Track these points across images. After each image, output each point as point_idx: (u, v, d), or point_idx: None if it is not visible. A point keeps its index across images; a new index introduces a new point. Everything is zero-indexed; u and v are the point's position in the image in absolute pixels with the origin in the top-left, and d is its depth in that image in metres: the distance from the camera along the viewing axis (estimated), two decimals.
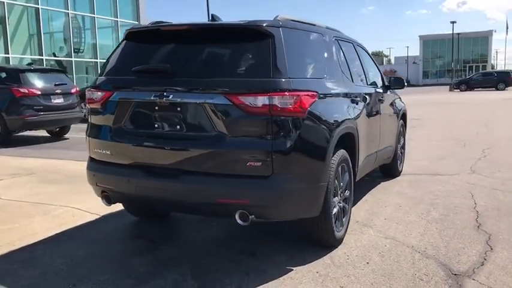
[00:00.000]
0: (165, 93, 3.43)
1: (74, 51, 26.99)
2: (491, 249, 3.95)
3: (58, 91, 10.96)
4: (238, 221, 3.40)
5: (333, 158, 3.73)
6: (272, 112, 3.24)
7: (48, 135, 12.20)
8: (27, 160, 8.59)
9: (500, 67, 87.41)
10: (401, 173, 6.99)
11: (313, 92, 3.55)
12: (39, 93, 10.60)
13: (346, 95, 4.30)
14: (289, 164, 3.33)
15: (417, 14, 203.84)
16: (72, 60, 26.59)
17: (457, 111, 19.77)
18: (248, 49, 3.51)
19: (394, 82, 6.17)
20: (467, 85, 44.89)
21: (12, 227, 4.51)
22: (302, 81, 3.49)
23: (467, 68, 77.10)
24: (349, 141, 4.16)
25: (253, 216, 3.35)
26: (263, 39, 3.44)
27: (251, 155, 3.28)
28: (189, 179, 3.41)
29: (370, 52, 6.23)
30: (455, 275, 3.46)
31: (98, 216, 4.90)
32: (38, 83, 10.81)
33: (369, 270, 3.55)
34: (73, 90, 11.50)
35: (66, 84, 11.38)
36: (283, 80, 3.32)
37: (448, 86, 47.85)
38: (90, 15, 28.19)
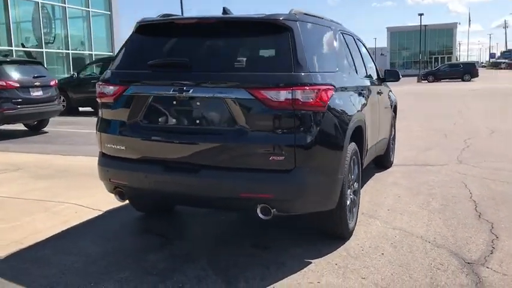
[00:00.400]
0: (184, 88, 3.38)
1: (44, 42, 26.19)
2: (497, 237, 4.08)
3: (37, 83, 10.64)
4: (260, 215, 3.41)
5: (347, 151, 3.77)
6: (294, 106, 3.25)
7: (26, 128, 11.86)
8: (9, 155, 8.34)
9: (462, 58, 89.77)
10: (393, 164, 7.12)
11: (330, 85, 3.57)
12: (18, 85, 10.27)
13: (354, 88, 4.35)
14: (311, 158, 3.34)
15: (383, 6, 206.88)
16: (42, 51, 25.79)
17: (429, 102, 20.22)
18: (267, 43, 3.50)
19: (389, 75, 6.26)
20: (435, 76, 45.95)
21: (14, 225, 4.39)
22: (320, 74, 3.50)
23: (433, 60, 78.75)
24: (358, 134, 4.21)
25: (274, 210, 3.36)
26: (282, 32, 3.44)
27: (274, 149, 3.28)
28: (211, 173, 3.39)
29: None
30: (468, 263, 3.56)
31: (100, 212, 4.81)
32: (15, 75, 10.46)
33: (386, 261, 3.62)
34: (52, 83, 11.19)
35: (45, 76, 11.06)
36: (304, 74, 3.33)
37: (416, 77, 48.82)
38: (61, 4, 27.36)
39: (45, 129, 11.72)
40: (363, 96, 4.59)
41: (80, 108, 16.55)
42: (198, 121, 3.46)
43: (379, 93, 5.66)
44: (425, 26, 59.06)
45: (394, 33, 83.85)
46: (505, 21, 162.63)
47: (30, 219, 4.56)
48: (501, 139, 9.57)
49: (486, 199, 5.23)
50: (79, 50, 29.36)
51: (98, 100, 3.88)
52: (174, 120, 3.52)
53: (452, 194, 5.45)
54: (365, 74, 5.31)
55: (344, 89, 3.99)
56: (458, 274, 3.38)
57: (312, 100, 3.29)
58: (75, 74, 16.97)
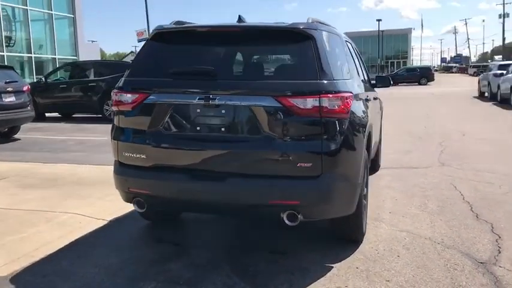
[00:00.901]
0: (210, 96, 3.39)
1: (5, 45, 25.21)
2: (500, 237, 4.27)
3: (9, 89, 10.26)
4: (286, 221, 3.45)
5: (364, 156, 3.87)
6: (321, 113, 3.32)
7: None
8: None
9: (416, 63, 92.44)
10: (380, 167, 7.31)
11: (350, 92, 3.66)
12: None
13: (363, 95, 4.46)
14: (337, 164, 3.42)
15: (338, 12, 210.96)
16: (3, 55, 24.83)
17: (396, 106, 20.70)
18: (291, 51, 3.56)
19: (380, 80, 6.44)
20: (393, 80, 47.05)
21: (21, 237, 4.24)
22: (341, 82, 3.58)
23: (389, 64, 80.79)
24: (368, 140, 4.32)
25: (301, 216, 3.42)
26: (304, 41, 3.50)
27: (301, 156, 3.34)
28: (238, 181, 3.40)
29: None
30: (481, 263, 3.72)
31: (105, 222, 4.72)
32: None
33: (403, 263, 3.73)
34: (24, 88, 10.83)
35: (17, 81, 10.69)
36: (329, 81, 3.40)
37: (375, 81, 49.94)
38: (22, 6, 26.46)
39: (16, 136, 11.31)
40: (368, 103, 4.71)
41: (47, 114, 16.05)
42: (223, 129, 3.47)
43: (375, 98, 5.82)
44: (382, 31, 60.67)
45: (351, 38, 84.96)
46: (454, 27, 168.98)
47: (35, 230, 4.42)
48: (472, 141, 9.98)
49: (478, 200, 5.45)
50: (42, 54, 28.46)
51: (114, 108, 3.82)
52: (198, 128, 3.52)
53: (446, 196, 5.65)
54: (363, 80, 5.45)
55: (357, 96, 4.10)
56: (475, 274, 3.53)
57: (337, 107, 3.36)
58: (43, 78, 16.45)
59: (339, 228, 3.99)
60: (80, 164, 7.77)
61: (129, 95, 3.68)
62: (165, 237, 4.35)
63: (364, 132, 3.89)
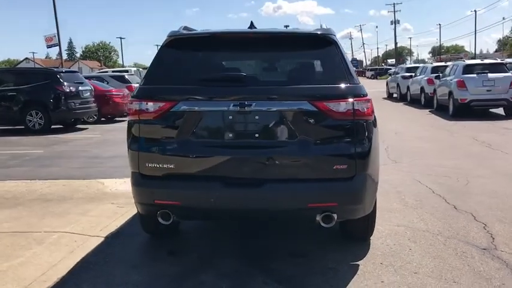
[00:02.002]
0: (246, 103, 3.36)
1: None
2: (485, 225, 4.67)
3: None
4: (322, 223, 3.52)
5: None
6: (355, 116, 3.43)
7: None
8: None
9: None
10: None
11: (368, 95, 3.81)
12: None
13: None
14: (367, 164, 3.55)
15: (238, 17, 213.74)
16: None
17: None
18: (318, 56, 3.63)
19: None
20: None
21: (20, 262, 3.87)
22: (362, 85, 3.72)
23: None
24: None
25: (336, 217, 3.50)
26: (329, 46, 3.61)
27: (338, 158, 3.43)
28: (276, 186, 3.41)
29: None
30: (484, 249, 4.06)
31: (102, 239, 4.44)
32: None
33: (420, 255, 3.95)
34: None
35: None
36: (357, 85, 3.54)
37: None
38: None
39: None
40: None
41: None
42: (257, 135, 3.45)
43: None
44: None
45: None
46: (350, 33, 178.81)
47: (32, 253, 4.05)
48: (408, 139, 10.73)
49: (447, 192, 5.90)
50: None
51: (131, 118, 3.64)
52: (231, 135, 3.46)
53: (417, 191, 6.05)
54: None
55: None
56: (486, 260, 3.84)
57: (366, 110, 3.50)
58: None
59: (355, 227, 4.11)
60: (31, 179, 7.19)
61: (151, 103, 3.52)
62: (175, 249, 4.21)
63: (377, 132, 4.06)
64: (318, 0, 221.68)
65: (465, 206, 5.31)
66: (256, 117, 3.43)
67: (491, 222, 4.73)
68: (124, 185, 6.56)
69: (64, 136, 12.71)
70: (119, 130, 14.11)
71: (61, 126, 14.31)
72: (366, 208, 3.70)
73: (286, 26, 3.85)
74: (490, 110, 15.47)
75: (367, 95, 3.57)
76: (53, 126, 13.71)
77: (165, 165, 3.51)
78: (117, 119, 17.34)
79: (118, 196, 5.94)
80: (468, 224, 4.71)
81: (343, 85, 3.46)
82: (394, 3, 78.69)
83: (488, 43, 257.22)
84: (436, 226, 4.67)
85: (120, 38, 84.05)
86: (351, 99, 3.41)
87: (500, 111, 15.15)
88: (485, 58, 36.44)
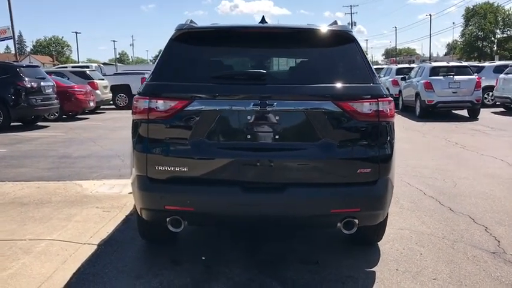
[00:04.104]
0: (267, 102, 3.14)
1: None
2: (486, 227, 4.65)
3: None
4: (343, 230, 3.36)
5: None
6: (379, 117, 3.29)
7: None
8: None
9: None
10: None
11: None
12: None
13: None
14: (389, 168, 3.41)
15: (194, 15, 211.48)
16: None
17: None
18: (339, 54, 3.45)
19: None
20: None
21: (9, 274, 3.48)
22: (383, 85, 3.57)
23: None
24: None
25: (358, 223, 3.35)
26: (350, 43, 3.46)
27: (362, 162, 3.27)
28: (298, 191, 3.22)
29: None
30: (493, 253, 4.02)
31: (95, 247, 4.11)
32: None
33: (432, 261, 3.86)
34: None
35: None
36: (380, 85, 3.39)
37: None
38: None
39: None
40: None
41: None
42: (277, 136, 3.24)
43: None
44: None
45: None
46: None
47: (20, 264, 3.67)
48: None
49: (438, 194, 5.89)
50: None
51: (137, 117, 3.35)
52: (249, 136, 3.23)
53: (408, 193, 6.01)
54: None
55: None
56: (499, 264, 3.79)
57: (389, 111, 3.36)
58: None
59: (367, 232, 3.94)
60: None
61: (161, 102, 3.25)
62: (179, 257, 3.93)
63: None
64: (274, 1, 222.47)
65: (460, 208, 5.30)
66: (277, 117, 3.22)
67: (491, 225, 4.72)
68: (104, 188, 6.21)
69: (26, 134, 12.01)
70: (83, 128, 13.55)
71: (20, 123, 13.58)
72: (385, 213, 3.56)
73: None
74: (453, 111, 15.88)
75: (389, 96, 3.43)
76: (12, 124, 12.97)
77: (177, 168, 3.25)
78: (78, 116, 16.69)
79: (101, 199, 5.57)
80: (469, 227, 4.68)
81: (367, 84, 3.31)
82: (351, 5, 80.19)
83: (437, 47, 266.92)
84: (438, 229, 4.61)
85: (76, 33, 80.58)
86: (375, 100, 3.26)
87: (463, 112, 15.56)
88: (436, 61, 37.26)
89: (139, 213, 3.57)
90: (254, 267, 3.74)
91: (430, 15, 77.83)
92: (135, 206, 4.95)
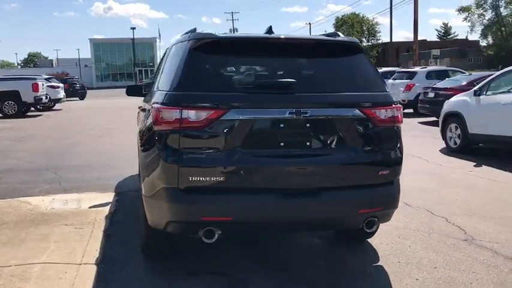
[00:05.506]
0: (302, 110, 3.26)
1: None
2: (447, 219, 5.19)
3: None
4: (366, 229, 3.58)
5: None
6: (395, 123, 3.58)
7: None
8: None
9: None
10: None
11: None
12: None
13: None
14: (400, 169, 3.71)
15: (65, 16, 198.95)
16: None
17: None
18: (354, 64, 3.66)
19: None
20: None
21: None
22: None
23: (137, 72, 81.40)
24: None
25: (377, 221, 3.60)
26: (359, 54, 3.70)
27: (382, 164, 3.53)
28: (331, 194, 3.38)
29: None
30: (466, 240, 4.52)
31: (95, 266, 3.86)
32: None
33: (423, 252, 4.24)
34: None
35: None
36: (389, 93, 3.69)
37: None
38: None
39: None
40: None
41: None
42: (309, 143, 3.38)
43: None
44: (133, 39, 60.83)
45: (98, 45, 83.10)
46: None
47: None
48: None
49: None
50: None
51: (165, 127, 3.24)
52: (282, 144, 3.31)
53: None
54: None
55: None
56: (477, 250, 4.26)
57: (400, 116, 3.66)
58: None
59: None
60: None
61: (193, 112, 3.19)
62: (194, 268, 3.86)
63: None
64: (150, 4, 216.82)
65: (414, 202, 5.78)
66: (307, 124, 3.35)
67: (448, 216, 5.26)
68: (57, 203, 5.79)
69: None
70: None
71: None
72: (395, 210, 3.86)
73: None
74: None
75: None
76: None
77: (213, 179, 3.21)
78: None
79: (65, 216, 5.19)
80: (432, 219, 5.18)
81: (384, 92, 3.58)
82: (232, 12, 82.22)
83: None
84: (409, 223, 5.04)
85: None
86: (391, 106, 3.54)
87: None
88: None
89: (161, 227, 3.44)
90: (279, 275, 3.78)
91: (310, 23, 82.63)
92: (108, 218, 4.77)
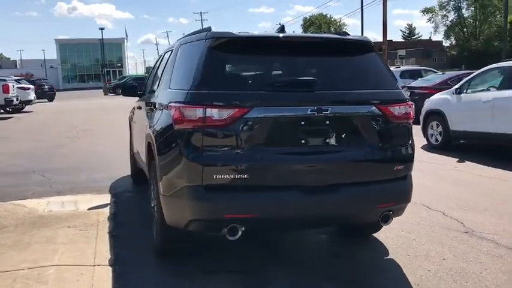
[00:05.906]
0: (323, 107, 3.32)
1: None
2: (443, 212, 5.36)
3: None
4: (382, 223, 3.68)
5: None
6: (408, 119, 3.69)
7: None
8: None
9: (126, 72, 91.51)
10: None
11: None
12: None
13: None
14: (413, 163, 3.83)
15: (27, 16, 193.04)
16: None
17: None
18: (368, 62, 3.75)
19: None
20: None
21: None
22: None
23: (105, 73, 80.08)
24: None
25: (392, 215, 3.70)
26: (372, 52, 3.80)
27: (398, 159, 3.64)
28: (351, 190, 3.46)
29: None
30: (466, 232, 4.68)
31: (110, 268, 3.84)
32: None
33: (429, 244, 4.38)
34: None
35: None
36: (402, 90, 3.80)
37: (102, 90, 49.60)
38: None
39: None
40: None
41: None
42: (329, 140, 3.45)
43: None
44: (101, 39, 59.75)
45: (64, 46, 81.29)
46: (156, 38, 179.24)
47: None
48: None
49: None
50: None
51: (187, 126, 3.25)
52: (303, 141, 3.37)
53: None
54: None
55: None
56: (479, 241, 4.42)
57: (412, 112, 3.78)
58: None
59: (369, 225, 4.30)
60: None
61: (216, 110, 3.21)
62: (208, 267, 3.86)
63: None
64: (116, 4, 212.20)
65: (424, 199, 5.92)
66: (327, 122, 3.41)
67: (445, 210, 5.42)
68: (54, 206, 5.70)
69: None
70: None
71: None
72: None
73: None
74: None
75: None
76: None
77: (237, 176, 3.24)
78: None
79: (66, 219, 5.10)
80: (430, 213, 5.33)
81: (397, 90, 3.69)
82: (201, 12, 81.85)
83: None
84: (409, 217, 5.11)
85: None
86: (405, 103, 3.65)
87: None
88: None
89: (181, 225, 3.44)
90: (291, 268, 3.85)
91: (282, 24, 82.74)
92: (111, 219, 4.74)
